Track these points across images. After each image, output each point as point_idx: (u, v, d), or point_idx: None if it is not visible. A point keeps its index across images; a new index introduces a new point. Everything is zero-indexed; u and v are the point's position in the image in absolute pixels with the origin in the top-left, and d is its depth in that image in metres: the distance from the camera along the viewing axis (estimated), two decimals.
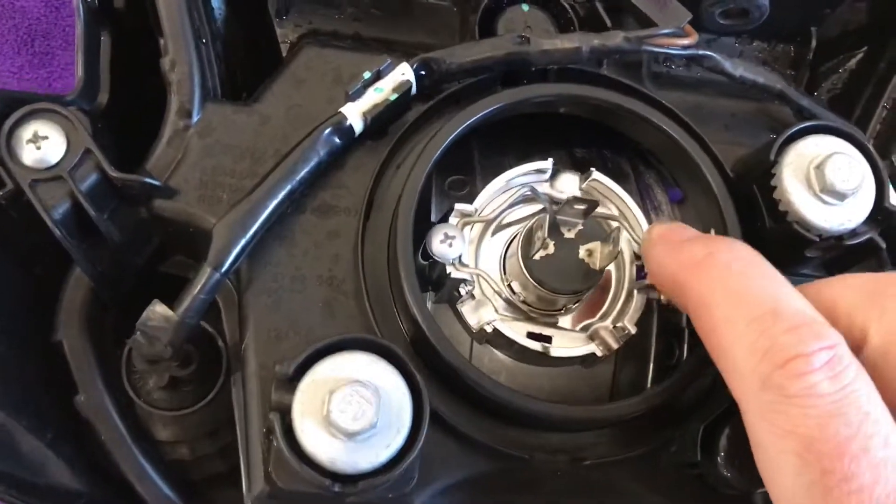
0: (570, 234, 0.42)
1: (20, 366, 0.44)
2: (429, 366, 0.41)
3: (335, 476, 0.35)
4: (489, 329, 0.43)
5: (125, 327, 0.47)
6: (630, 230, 0.45)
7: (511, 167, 0.46)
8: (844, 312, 0.34)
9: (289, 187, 0.41)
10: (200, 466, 0.48)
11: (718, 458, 0.40)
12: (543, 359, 0.44)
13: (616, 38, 0.43)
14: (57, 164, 0.39)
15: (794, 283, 0.43)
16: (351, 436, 0.34)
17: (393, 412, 0.36)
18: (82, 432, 0.46)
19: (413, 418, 0.36)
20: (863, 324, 0.33)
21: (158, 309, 0.39)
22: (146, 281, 0.47)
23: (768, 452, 0.30)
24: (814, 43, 0.52)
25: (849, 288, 0.35)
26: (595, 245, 0.41)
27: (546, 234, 0.40)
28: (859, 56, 0.55)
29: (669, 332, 0.46)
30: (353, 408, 0.34)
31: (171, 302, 0.40)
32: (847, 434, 0.28)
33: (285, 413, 0.36)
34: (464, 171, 0.47)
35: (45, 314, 0.46)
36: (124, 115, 0.47)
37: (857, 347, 0.33)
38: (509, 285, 0.44)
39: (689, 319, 0.46)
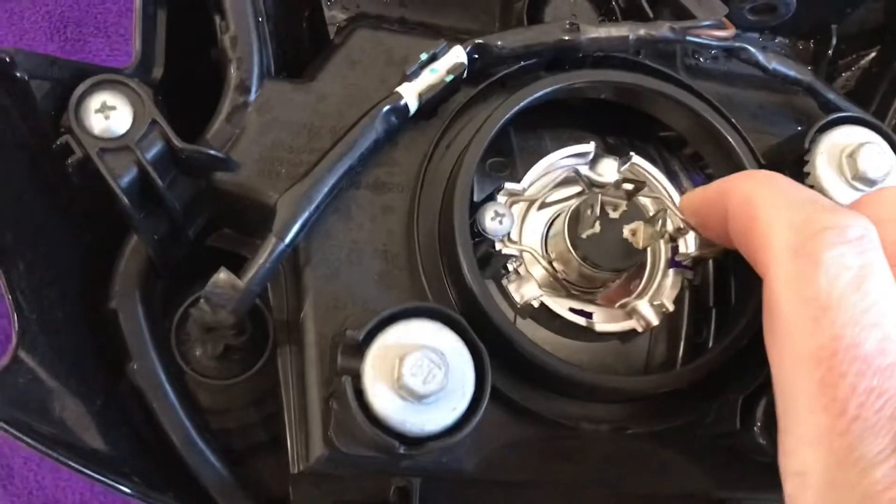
0: (615, 215, 0.43)
1: (74, 333, 0.45)
2: (481, 336, 0.42)
3: (402, 438, 0.37)
4: (535, 304, 0.45)
5: (171, 299, 0.49)
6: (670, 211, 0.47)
7: (548, 150, 0.48)
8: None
9: (349, 163, 0.42)
10: (244, 435, 0.49)
11: (755, 428, 0.42)
12: (584, 333, 0.46)
13: (662, 28, 0.45)
14: (125, 133, 0.40)
15: None
16: (421, 398, 0.36)
17: (458, 377, 0.37)
18: (129, 401, 0.47)
19: (476, 383, 0.38)
20: None
21: (224, 276, 0.40)
22: (193, 253, 0.48)
23: (786, 317, 0.32)
24: (834, 40, 0.54)
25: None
26: (638, 225, 0.43)
27: (597, 214, 0.42)
28: (872, 54, 0.58)
29: (699, 312, 0.49)
30: (423, 371, 0.36)
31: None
32: (863, 307, 0.30)
33: (355, 377, 0.37)
34: (503, 153, 0.49)
35: (95, 282, 0.47)
36: (176, 90, 0.48)
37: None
38: (551, 262, 0.46)
39: (716, 299, 0.49)
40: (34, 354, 0.42)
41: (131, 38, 0.46)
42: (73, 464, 0.43)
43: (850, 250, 0.31)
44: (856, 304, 0.30)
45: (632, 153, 0.47)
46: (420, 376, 0.36)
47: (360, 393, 0.37)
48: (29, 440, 0.42)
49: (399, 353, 0.37)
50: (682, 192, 0.51)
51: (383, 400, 0.36)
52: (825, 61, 0.55)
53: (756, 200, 0.34)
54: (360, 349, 0.37)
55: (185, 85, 0.48)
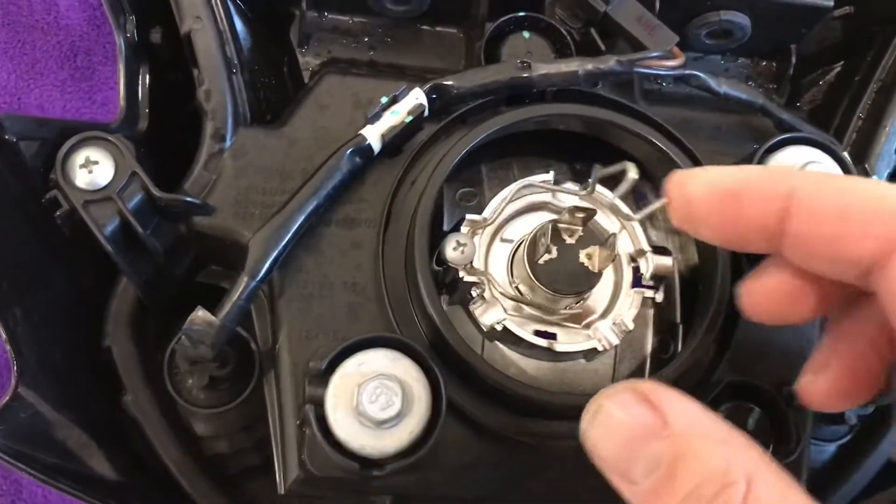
0: (570, 240, 0.46)
1: (72, 370, 0.49)
2: (446, 362, 0.45)
3: (364, 461, 0.39)
4: (499, 328, 0.47)
5: (166, 333, 0.52)
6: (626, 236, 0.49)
7: (515, 178, 0.51)
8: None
9: (316, 202, 0.45)
10: (237, 459, 0.52)
11: None
12: (549, 354, 0.48)
13: (609, 62, 0.47)
14: (106, 185, 0.44)
15: None
16: (379, 424, 0.39)
17: (414, 402, 0.40)
18: (126, 430, 0.51)
19: (432, 407, 0.40)
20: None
21: (201, 314, 0.43)
22: (184, 290, 0.51)
23: None
24: (793, 59, 0.56)
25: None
26: (594, 249, 0.45)
27: (550, 241, 0.44)
28: (836, 69, 0.60)
29: (664, 329, 0.51)
30: (381, 398, 0.39)
31: (208, 307, 0.44)
32: None
33: (318, 405, 0.40)
34: (472, 183, 0.51)
35: (91, 322, 0.50)
36: (160, 140, 0.52)
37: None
38: (516, 287, 0.48)
39: (683, 315, 0.51)
40: (34, 390, 0.45)
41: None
42: (76, 492, 0.47)
43: None
44: None
45: (589, 180, 0.50)
46: (377, 403, 0.39)
47: (322, 419, 0.40)
48: (32, 472, 0.45)
49: (358, 381, 0.39)
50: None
51: (344, 426, 0.39)
52: (787, 79, 0.57)
53: (845, 195, 0.30)
54: (323, 378, 0.40)
55: (170, 133, 0.52)
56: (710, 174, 0.33)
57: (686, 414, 0.29)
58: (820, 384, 0.35)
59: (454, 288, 0.48)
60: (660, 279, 0.50)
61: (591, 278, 0.46)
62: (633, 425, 0.30)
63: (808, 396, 0.36)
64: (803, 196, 0.30)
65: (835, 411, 0.36)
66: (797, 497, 0.27)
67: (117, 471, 0.50)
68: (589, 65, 0.47)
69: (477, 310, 0.48)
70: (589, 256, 0.45)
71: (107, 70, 0.69)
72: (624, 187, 0.45)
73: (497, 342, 0.49)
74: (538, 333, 0.48)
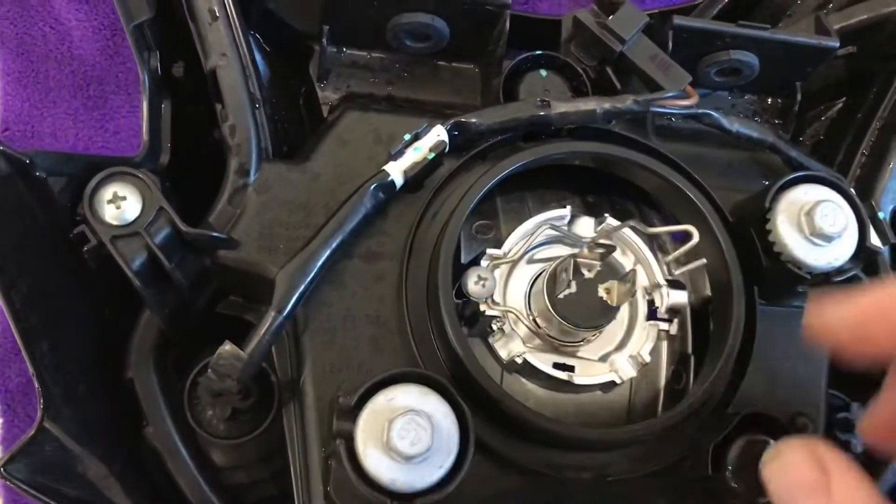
0: (589, 275, 0.47)
1: (95, 401, 0.49)
2: (467, 394, 0.45)
3: (393, 495, 0.40)
4: (519, 360, 0.48)
5: (185, 364, 0.53)
6: (641, 269, 0.50)
7: (530, 211, 0.52)
8: None
9: (341, 237, 0.46)
10: (255, 490, 0.52)
11: (727, 472, 0.45)
12: (568, 386, 0.49)
13: (626, 101, 0.48)
14: (134, 220, 0.44)
15: (786, 314, 0.49)
16: (409, 459, 0.39)
17: (443, 437, 0.41)
18: (146, 462, 0.51)
19: (460, 442, 0.41)
20: None
21: (229, 348, 0.43)
22: (204, 320, 0.52)
23: None
24: (799, 96, 0.57)
25: None
26: (612, 284, 0.46)
27: (571, 276, 0.45)
28: (839, 105, 0.61)
29: (677, 360, 0.52)
30: (411, 434, 0.39)
31: (230, 338, 0.45)
32: None
33: (348, 439, 0.40)
34: (488, 216, 0.52)
35: (112, 353, 0.51)
36: (180, 172, 0.52)
37: None
38: (535, 320, 0.49)
39: (694, 346, 0.52)
40: (59, 423, 0.46)
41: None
42: None
43: None
44: None
45: (606, 215, 0.51)
46: (407, 439, 0.39)
47: (353, 454, 0.40)
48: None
49: (388, 417, 0.40)
50: (658, 244, 0.54)
51: (374, 460, 0.40)
52: (792, 115, 0.58)
53: None
54: (352, 413, 0.41)
55: (192, 165, 0.53)
56: (843, 310, 0.34)
57: (850, 486, 0.32)
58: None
59: (474, 321, 0.49)
60: (674, 312, 0.51)
61: (609, 312, 0.47)
62: (801, 480, 0.33)
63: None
64: None
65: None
66: None
67: (134, 502, 0.50)
68: (607, 104, 0.48)
69: (497, 343, 0.49)
70: (608, 291, 0.46)
71: (119, 99, 0.69)
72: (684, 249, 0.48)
73: (517, 374, 0.49)
74: (556, 366, 0.49)
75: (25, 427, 0.63)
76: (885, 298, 0.33)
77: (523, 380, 0.50)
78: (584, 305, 0.46)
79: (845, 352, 0.34)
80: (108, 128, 0.67)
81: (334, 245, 0.46)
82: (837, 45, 0.54)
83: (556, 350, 0.50)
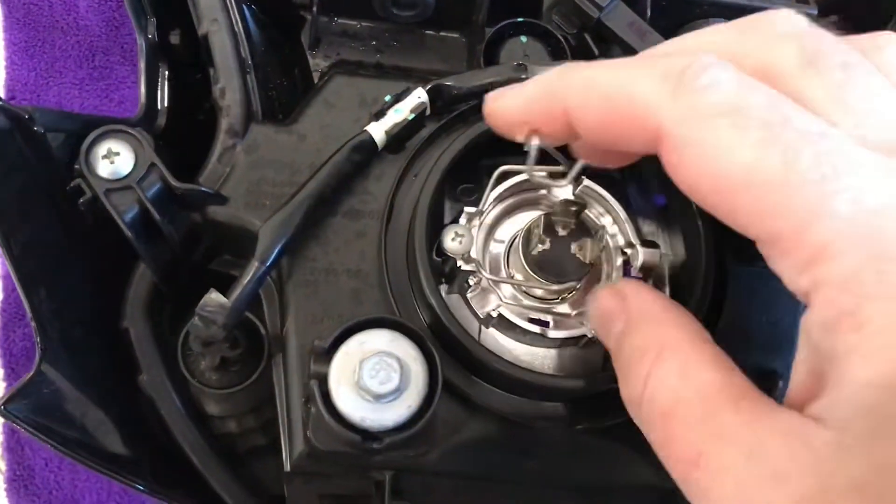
0: (563, 232, 0.48)
1: (91, 349, 0.52)
2: (444, 346, 0.47)
3: (364, 433, 0.42)
4: (495, 314, 0.50)
5: (180, 317, 0.55)
6: (617, 229, 0.52)
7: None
8: None
9: (322, 194, 0.48)
10: (245, 439, 0.55)
11: None
12: (542, 340, 0.51)
13: None
14: (127, 175, 0.47)
15: (758, 273, 0.50)
16: (378, 398, 0.41)
17: (412, 378, 0.42)
18: (141, 409, 0.54)
19: (429, 383, 0.43)
20: None
21: (214, 296, 0.46)
22: (197, 277, 0.54)
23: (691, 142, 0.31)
24: None
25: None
26: (584, 241, 0.48)
27: (542, 232, 0.47)
28: None
29: None
30: (380, 374, 0.41)
31: (221, 292, 0.47)
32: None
33: (322, 381, 0.43)
34: (472, 180, 0.54)
35: (109, 305, 0.53)
36: (177, 137, 0.55)
37: None
38: (512, 276, 0.51)
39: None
40: (56, 368, 0.48)
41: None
42: (93, 465, 0.50)
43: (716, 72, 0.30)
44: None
45: (583, 177, 0.52)
46: (377, 378, 0.42)
47: (326, 395, 0.42)
48: (54, 444, 0.48)
49: (359, 358, 0.42)
50: (639, 209, 0.55)
51: (346, 399, 0.42)
52: None
53: (610, 101, 0.33)
54: (327, 356, 0.43)
55: (187, 127, 0.55)
56: (508, 100, 0.39)
57: (644, 299, 0.38)
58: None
59: (453, 277, 0.51)
60: (648, 271, 0.52)
61: (583, 269, 0.48)
62: (605, 309, 0.40)
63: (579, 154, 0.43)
64: (576, 112, 0.35)
65: None
66: (701, 372, 0.33)
67: (128, 447, 0.52)
68: None
69: (474, 298, 0.50)
70: (580, 248, 0.48)
71: (124, 70, 0.72)
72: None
73: (493, 329, 0.51)
74: (532, 321, 0.51)
75: None
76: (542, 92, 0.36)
77: (499, 334, 0.51)
78: (558, 262, 0.48)
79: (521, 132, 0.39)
80: (112, 97, 0.70)
81: (315, 200, 0.48)
82: (815, 13, 0.55)
83: (532, 307, 0.52)
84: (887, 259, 0.26)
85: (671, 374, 0.34)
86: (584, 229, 0.49)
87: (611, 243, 0.52)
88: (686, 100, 0.30)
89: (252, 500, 0.54)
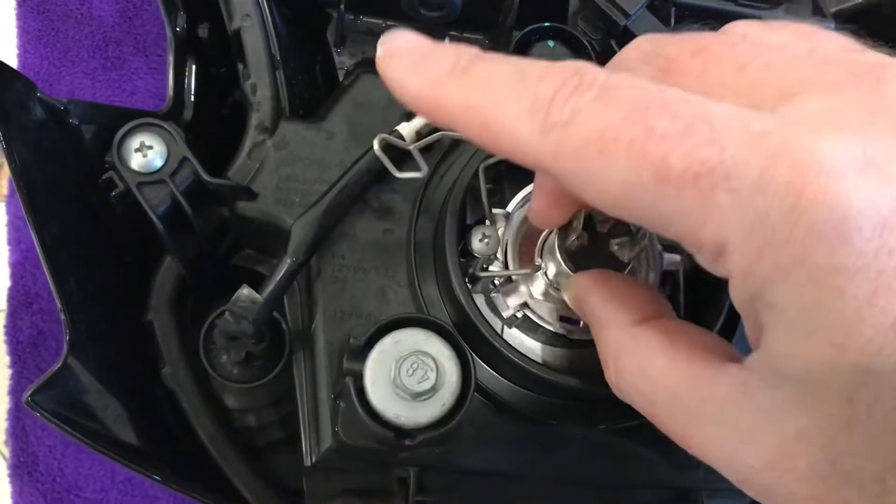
0: (602, 229, 0.49)
1: (115, 342, 0.52)
2: (470, 344, 0.48)
3: (398, 430, 0.43)
4: (519, 315, 0.50)
5: (202, 311, 0.55)
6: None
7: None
8: None
9: (354, 192, 0.49)
10: (264, 433, 0.55)
11: None
12: (565, 341, 0.51)
13: None
14: (160, 169, 0.47)
15: None
16: (415, 396, 0.42)
17: (446, 377, 0.43)
18: (163, 402, 0.54)
19: (462, 382, 0.44)
20: None
21: (247, 292, 0.46)
22: (221, 272, 0.54)
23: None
24: None
25: None
26: (624, 240, 0.48)
27: (581, 226, 0.48)
28: None
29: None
30: (418, 372, 0.42)
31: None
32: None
33: (357, 378, 0.43)
34: (494, 181, 0.55)
35: (131, 298, 0.53)
36: (201, 129, 0.55)
37: None
38: (545, 273, 0.51)
39: (687, 311, 0.54)
40: (82, 361, 0.48)
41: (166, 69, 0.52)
42: (114, 456, 0.50)
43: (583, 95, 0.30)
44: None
45: None
46: (414, 377, 0.42)
47: (361, 391, 0.43)
48: (77, 435, 0.48)
49: (396, 357, 0.43)
50: None
51: (381, 397, 0.42)
52: None
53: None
54: (362, 353, 0.43)
55: (213, 122, 0.55)
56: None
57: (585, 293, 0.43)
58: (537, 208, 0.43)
59: (478, 277, 0.51)
60: (667, 275, 0.53)
61: (620, 268, 0.49)
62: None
63: (533, 218, 0.44)
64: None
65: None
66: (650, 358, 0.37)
67: (148, 440, 0.52)
68: None
69: (498, 298, 0.51)
70: (619, 246, 0.48)
71: (137, 60, 0.71)
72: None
73: (516, 328, 0.52)
74: (562, 320, 0.51)
75: (34, 379, 0.66)
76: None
77: (522, 334, 0.52)
78: (595, 259, 0.48)
79: None
80: (125, 88, 0.70)
81: (348, 200, 0.49)
82: (832, 26, 0.56)
83: (561, 307, 0.52)
84: (777, 244, 0.27)
85: (627, 368, 0.38)
86: (625, 227, 0.49)
87: (649, 245, 0.52)
88: (554, 136, 0.30)
89: (270, 493, 0.55)
